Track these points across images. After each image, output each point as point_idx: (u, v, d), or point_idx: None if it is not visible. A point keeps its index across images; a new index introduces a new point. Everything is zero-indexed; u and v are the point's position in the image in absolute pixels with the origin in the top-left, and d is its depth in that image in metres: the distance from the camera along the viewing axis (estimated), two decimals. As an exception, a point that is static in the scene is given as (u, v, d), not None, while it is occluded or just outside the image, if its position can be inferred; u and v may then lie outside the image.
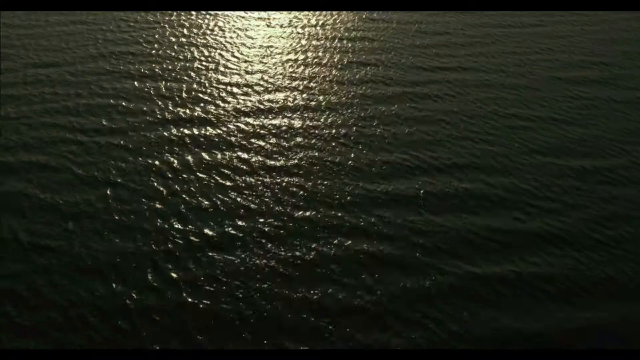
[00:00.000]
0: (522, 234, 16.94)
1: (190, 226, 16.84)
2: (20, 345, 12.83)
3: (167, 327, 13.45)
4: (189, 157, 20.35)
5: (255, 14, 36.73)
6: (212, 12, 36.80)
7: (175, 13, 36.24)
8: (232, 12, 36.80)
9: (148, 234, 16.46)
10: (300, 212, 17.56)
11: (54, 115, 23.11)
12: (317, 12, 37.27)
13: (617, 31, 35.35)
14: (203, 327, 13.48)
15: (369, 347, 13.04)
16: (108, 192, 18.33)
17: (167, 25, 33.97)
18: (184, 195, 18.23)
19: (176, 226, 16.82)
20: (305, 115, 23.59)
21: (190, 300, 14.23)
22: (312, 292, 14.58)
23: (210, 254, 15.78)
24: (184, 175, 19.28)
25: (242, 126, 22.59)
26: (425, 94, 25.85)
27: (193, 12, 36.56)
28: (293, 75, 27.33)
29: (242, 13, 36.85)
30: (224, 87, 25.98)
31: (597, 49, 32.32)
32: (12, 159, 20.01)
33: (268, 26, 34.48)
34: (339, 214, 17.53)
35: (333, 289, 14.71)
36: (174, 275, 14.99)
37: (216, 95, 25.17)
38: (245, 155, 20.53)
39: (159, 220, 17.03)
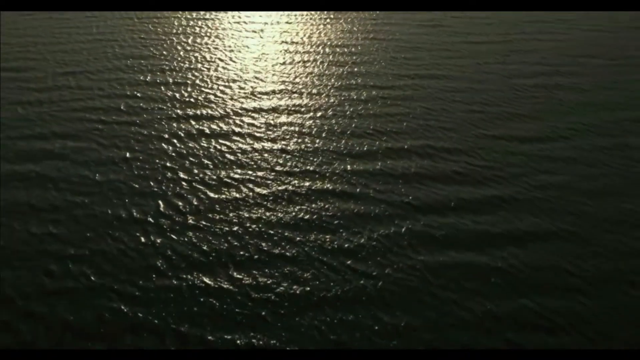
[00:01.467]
0: (466, 192, 20.65)
1: (194, 188, 20.62)
2: (58, 266, 16.44)
3: (175, 252, 17.12)
4: (191, 141, 24.23)
5: (250, 23, 41.11)
6: (210, 23, 41.25)
7: (180, 27, 40.63)
8: (229, 22, 41.09)
9: (158, 195, 20.22)
10: (287, 180, 21.34)
11: (77, 111, 27.13)
12: (309, 23, 41.73)
13: (583, 45, 39.53)
14: (205, 257, 17.13)
15: (340, 272, 16.66)
16: (125, 166, 22.14)
17: (168, 35, 38.31)
18: (188, 167, 22.04)
19: (183, 187, 20.59)
20: (292, 110, 27.58)
21: (194, 236, 17.91)
22: (295, 235, 18.25)
23: (213, 209, 19.50)
24: (188, 153, 23.13)
25: (238, 119, 26.54)
26: (395, 95, 29.88)
27: (196, 27, 40.95)
28: (282, 79, 31.47)
29: (238, 21, 41.21)
30: (220, 87, 30.10)
31: (554, 59, 36.45)
32: (46, 144, 23.91)
33: (261, 35, 38.86)
34: (319, 181, 21.30)
35: (313, 232, 18.38)
36: (179, 219, 18.70)
37: (214, 94, 29.26)
38: (240, 140, 24.41)
39: (169, 185, 20.80)
